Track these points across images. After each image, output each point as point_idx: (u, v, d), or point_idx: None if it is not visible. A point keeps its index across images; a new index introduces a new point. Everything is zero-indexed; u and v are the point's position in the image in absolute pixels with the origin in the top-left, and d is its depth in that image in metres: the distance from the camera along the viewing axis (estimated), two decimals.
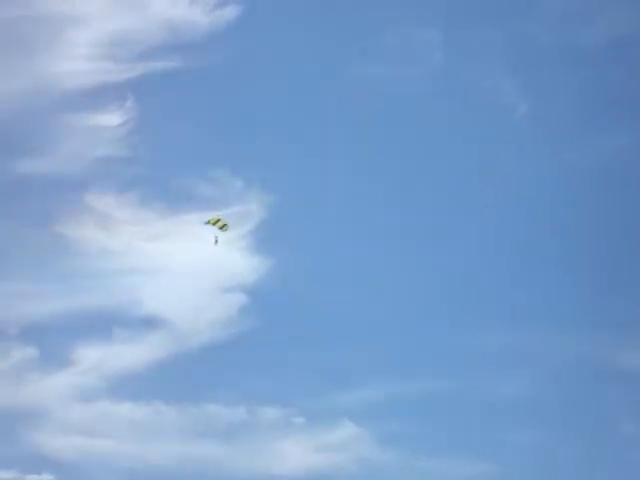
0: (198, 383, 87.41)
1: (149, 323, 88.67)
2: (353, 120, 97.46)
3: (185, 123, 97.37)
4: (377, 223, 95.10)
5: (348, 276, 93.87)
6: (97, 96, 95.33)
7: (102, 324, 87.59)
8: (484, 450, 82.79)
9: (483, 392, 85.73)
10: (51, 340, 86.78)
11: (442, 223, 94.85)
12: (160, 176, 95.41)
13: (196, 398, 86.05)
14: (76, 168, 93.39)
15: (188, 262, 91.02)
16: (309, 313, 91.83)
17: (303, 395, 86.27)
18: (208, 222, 70.74)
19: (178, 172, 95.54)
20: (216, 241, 71.34)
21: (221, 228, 70.47)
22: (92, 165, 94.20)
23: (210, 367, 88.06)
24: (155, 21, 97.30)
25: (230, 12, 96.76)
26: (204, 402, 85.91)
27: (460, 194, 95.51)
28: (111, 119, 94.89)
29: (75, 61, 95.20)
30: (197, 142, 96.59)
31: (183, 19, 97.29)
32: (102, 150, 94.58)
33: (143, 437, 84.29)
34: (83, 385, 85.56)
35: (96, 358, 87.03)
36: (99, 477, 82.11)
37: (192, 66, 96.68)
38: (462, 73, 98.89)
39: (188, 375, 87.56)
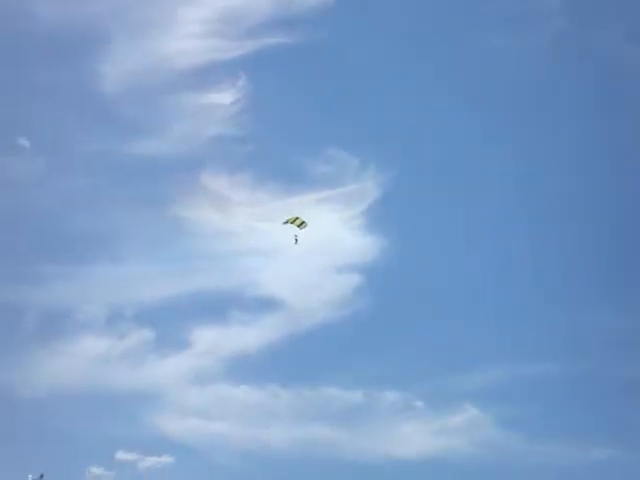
0: (314, 365, 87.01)
1: (265, 305, 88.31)
2: (472, 95, 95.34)
3: (298, 100, 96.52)
4: (495, 202, 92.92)
5: (465, 255, 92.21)
6: (209, 74, 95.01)
7: (218, 306, 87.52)
8: (610, 434, 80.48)
9: (607, 374, 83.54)
10: (167, 322, 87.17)
11: (566, 206, 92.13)
12: (274, 155, 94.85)
13: (312, 381, 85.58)
14: (189, 148, 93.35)
15: (303, 243, 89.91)
16: (426, 293, 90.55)
17: (422, 378, 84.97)
18: (287, 222, 69.53)
19: (292, 151, 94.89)
20: (296, 240, 70.24)
21: (299, 226, 69.28)
22: (205, 145, 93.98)
23: (325, 349, 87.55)
24: None
25: None
26: (320, 385, 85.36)
27: (586, 170, 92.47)
28: (223, 97, 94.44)
29: (186, 40, 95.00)
30: (311, 120, 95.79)
31: None
32: (215, 129, 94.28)
33: (259, 420, 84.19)
34: (199, 368, 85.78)
35: (212, 340, 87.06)
36: (216, 459, 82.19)
37: (304, 41, 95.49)
38: (582, 39, 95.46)
39: (304, 357, 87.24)
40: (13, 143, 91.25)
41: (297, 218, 69.78)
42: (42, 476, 71.05)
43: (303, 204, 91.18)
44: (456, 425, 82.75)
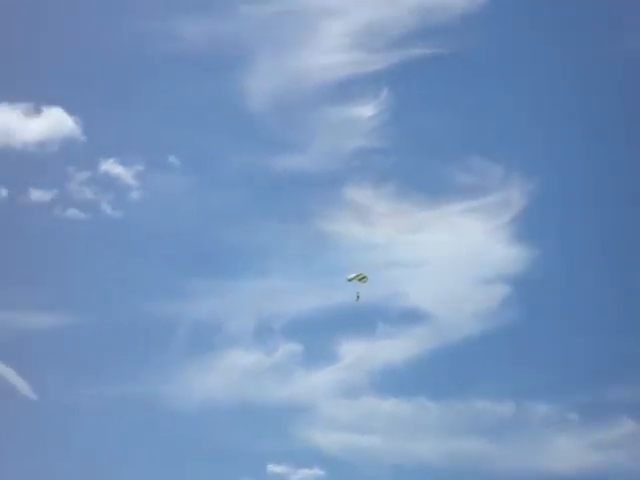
0: (463, 378, 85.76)
1: (412, 317, 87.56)
2: (618, 100, 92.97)
3: (441, 110, 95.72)
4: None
5: (615, 263, 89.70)
6: (351, 87, 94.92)
7: (365, 319, 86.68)
8: None
9: None
10: (315, 335, 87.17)
11: None
12: (417, 166, 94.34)
13: (462, 393, 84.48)
14: (333, 162, 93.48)
15: (449, 254, 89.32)
16: (576, 304, 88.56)
17: (575, 389, 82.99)
18: (350, 280, 68.46)
19: (435, 161, 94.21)
20: (358, 297, 69.26)
21: (361, 280, 68.23)
22: (348, 158, 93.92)
23: (475, 361, 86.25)
24: (408, 7, 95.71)
25: None
26: (470, 397, 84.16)
27: None
28: (366, 110, 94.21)
29: (329, 54, 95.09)
30: (454, 129, 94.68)
31: (436, 3, 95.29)
32: (357, 142, 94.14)
33: (409, 433, 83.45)
34: (348, 381, 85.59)
35: (360, 353, 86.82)
36: (367, 473, 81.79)
37: (447, 51, 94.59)
38: None
39: (452, 369, 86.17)
40: (164, 161, 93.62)
41: (358, 275, 68.50)
42: None
43: (448, 214, 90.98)
44: (612, 439, 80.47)
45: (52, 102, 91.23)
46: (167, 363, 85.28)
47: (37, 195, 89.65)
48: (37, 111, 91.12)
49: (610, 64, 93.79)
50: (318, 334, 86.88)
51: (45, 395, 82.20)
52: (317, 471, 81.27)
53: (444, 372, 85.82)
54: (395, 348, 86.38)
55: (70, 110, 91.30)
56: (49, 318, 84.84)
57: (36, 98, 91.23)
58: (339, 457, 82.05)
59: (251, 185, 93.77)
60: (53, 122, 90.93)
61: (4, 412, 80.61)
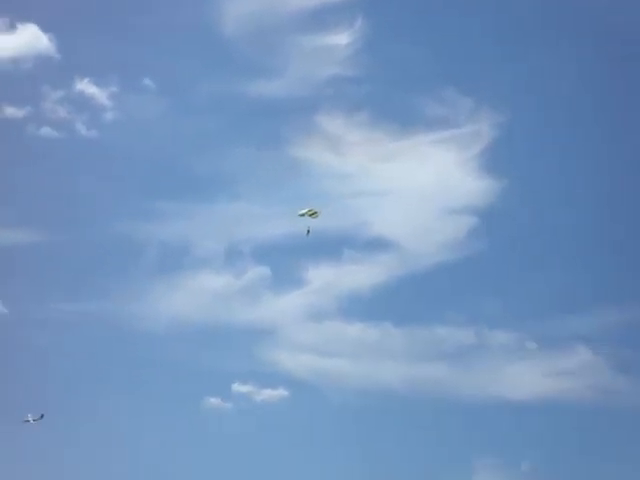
0: (426, 305, 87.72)
1: (378, 245, 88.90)
2: (584, 39, 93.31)
3: (414, 41, 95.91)
4: (609, 144, 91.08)
5: (582, 196, 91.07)
6: (327, 15, 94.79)
7: (332, 245, 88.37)
8: None
9: None
10: (283, 260, 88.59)
11: None
12: (390, 96, 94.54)
13: (425, 320, 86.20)
14: (306, 89, 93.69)
15: (418, 184, 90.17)
16: (541, 236, 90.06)
17: (535, 319, 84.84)
18: (302, 215, 69.09)
19: (408, 91, 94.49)
20: (308, 232, 70.16)
21: (312, 215, 68.88)
22: (321, 86, 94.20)
23: (438, 289, 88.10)
24: None
25: None
26: (433, 324, 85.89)
27: None
28: (340, 38, 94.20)
29: None
30: (426, 60, 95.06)
31: None
32: (331, 70, 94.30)
33: (372, 358, 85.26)
34: (315, 305, 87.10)
35: (327, 279, 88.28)
36: (330, 395, 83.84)
37: None
38: None
39: (416, 297, 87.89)
40: (139, 83, 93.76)
41: (309, 210, 69.11)
42: (42, 416, 73.37)
43: (419, 144, 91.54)
44: (569, 367, 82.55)
45: (27, 19, 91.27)
46: (136, 282, 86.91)
47: (10, 112, 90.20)
48: (12, 27, 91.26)
49: None
50: (286, 259, 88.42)
51: (15, 309, 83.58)
52: (282, 392, 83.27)
53: (409, 299, 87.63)
54: (361, 274, 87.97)
55: (45, 27, 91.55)
56: (20, 235, 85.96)
57: (10, 14, 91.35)
58: (304, 379, 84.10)
59: (224, 111, 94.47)
60: (27, 39, 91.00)
61: None
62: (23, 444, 76.23)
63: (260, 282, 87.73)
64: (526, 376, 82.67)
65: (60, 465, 77.01)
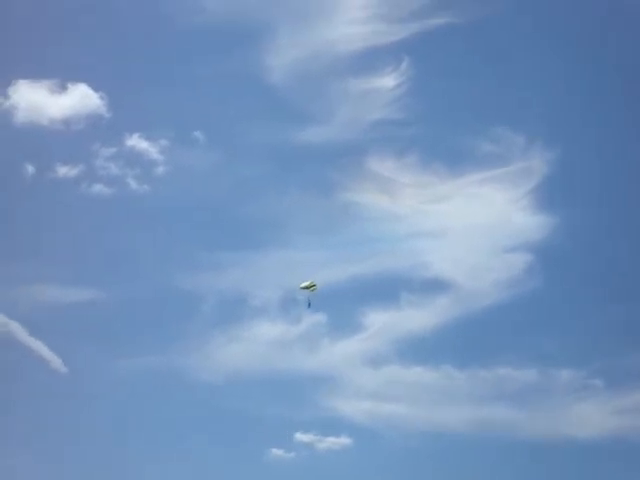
0: (486, 346, 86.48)
1: (435, 286, 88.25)
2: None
3: (461, 80, 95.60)
4: None
5: (637, 231, 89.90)
6: (372, 59, 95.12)
7: (389, 289, 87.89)
8: None
9: None
10: (339, 306, 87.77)
11: None
12: (439, 136, 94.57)
13: (485, 361, 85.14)
14: (354, 133, 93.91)
15: (471, 223, 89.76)
16: (599, 269, 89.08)
17: (599, 356, 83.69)
18: (302, 288, 69.06)
19: (457, 131, 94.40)
20: (309, 305, 70.08)
21: (310, 288, 68.66)
22: (370, 129, 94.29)
23: (498, 329, 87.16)
24: None
25: None
26: (494, 365, 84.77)
27: None
28: (387, 81, 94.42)
29: (350, 25, 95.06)
30: (475, 99, 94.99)
31: None
32: (379, 113, 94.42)
33: (433, 401, 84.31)
34: (372, 350, 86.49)
35: (384, 323, 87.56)
36: (393, 440, 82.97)
37: (467, 20, 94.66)
38: None
39: (476, 338, 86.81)
40: (189, 136, 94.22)
41: (310, 283, 69.13)
42: None
43: (470, 183, 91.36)
44: (636, 404, 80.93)
45: (77, 78, 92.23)
46: (194, 335, 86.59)
47: (63, 171, 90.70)
48: (63, 88, 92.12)
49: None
50: (343, 304, 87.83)
51: (75, 368, 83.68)
52: (344, 439, 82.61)
53: (468, 340, 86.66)
54: (419, 317, 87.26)
55: (95, 86, 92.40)
56: (78, 293, 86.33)
57: (62, 75, 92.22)
58: (365, 425, 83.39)
59: (274, 158, 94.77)
60: (79, 98, 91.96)
61: (35, 386, 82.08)
62: None
63: (316, 329, 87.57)
64: (593, 414, 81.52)
65: None
